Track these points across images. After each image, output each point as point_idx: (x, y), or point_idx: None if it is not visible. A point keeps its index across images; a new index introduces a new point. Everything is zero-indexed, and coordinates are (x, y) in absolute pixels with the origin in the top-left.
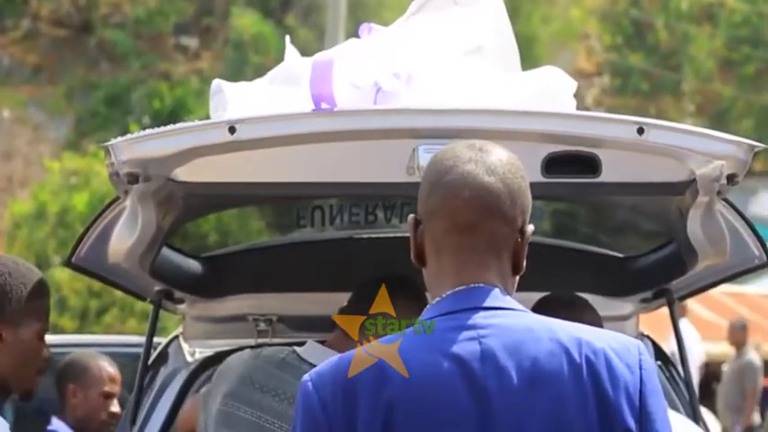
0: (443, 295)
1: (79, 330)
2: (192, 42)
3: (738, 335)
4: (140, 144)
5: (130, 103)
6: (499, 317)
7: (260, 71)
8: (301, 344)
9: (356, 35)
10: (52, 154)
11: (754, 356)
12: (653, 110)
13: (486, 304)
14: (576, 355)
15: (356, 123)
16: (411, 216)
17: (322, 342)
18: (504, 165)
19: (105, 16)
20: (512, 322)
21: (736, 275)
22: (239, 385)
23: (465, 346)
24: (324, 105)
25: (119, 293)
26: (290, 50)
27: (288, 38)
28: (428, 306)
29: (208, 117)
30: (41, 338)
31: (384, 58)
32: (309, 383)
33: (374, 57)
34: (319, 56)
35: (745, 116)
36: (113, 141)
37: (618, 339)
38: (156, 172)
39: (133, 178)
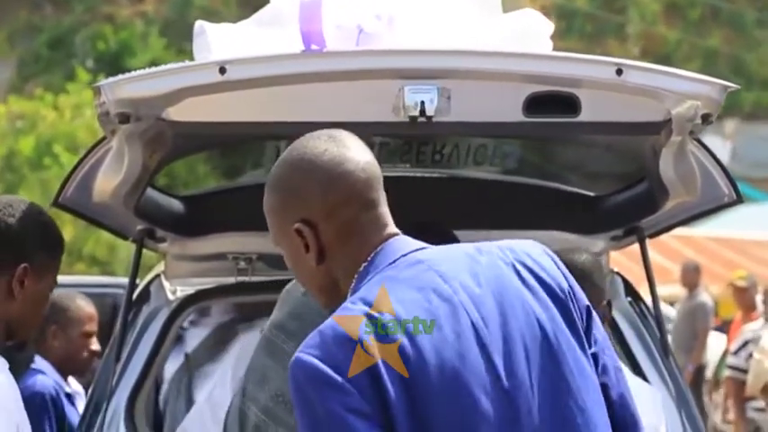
0: (362, 267)
1: None
2: None
3: (691, 276)
4: (131, 84)
5: (74, 45)
6: (429, 250)
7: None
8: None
9: None
10: None
11: (705, 297)
12: (598, 52)
13: (409, 248)
14: (510, 259)
15: (345, 64)
16: (301, 225)
17: None
18: (351, 141)
19: None
20: (441, 251)
21: (706, 213)
22: (288, 318)
23: (425, 277)
24: (314, 46)
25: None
26: None
27: None
28: (355, 278)
29: (152, 60)
30: (51, 292)
31: (366, 0)
32: (304, 356)
33: None
34: None
35: (689, 59)
36: (104, 82)
37: (534, 244)
38: (146, 112)
39: (124, 118)
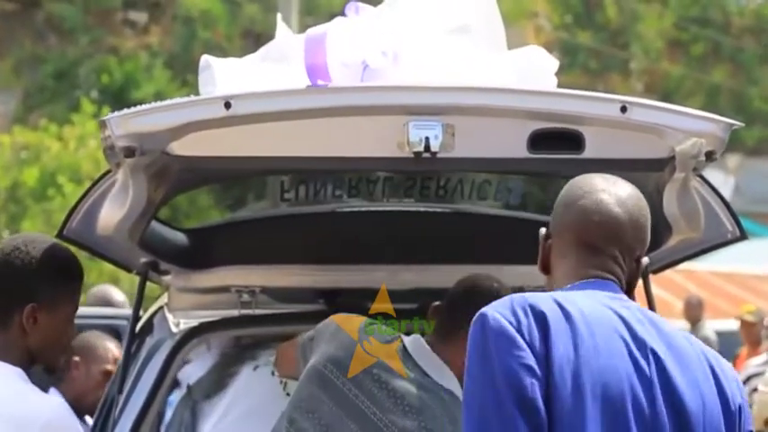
0: (568, 285)
1: None
2: (140, 17)
3: (694, 311)
4: (137, 118)
5: (79, 77)
6: (627, 300)
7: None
8: (407, 333)
9: (308, 12)
10: (0, 128)
11: (709, 332)
12: (601, 88)
13: (612, 291)
14: (693, 342)
15: (350, 100)
16: (542, 229)
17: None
18: (632, 200)
19: None
20: (637, 305)
21: (709, 249)
22: (346, 355)
23: (612, 303)
24: (319, 81)
25: None
26: (282, 28)
27: (279, 15)
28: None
29: (156, 93)
30: (71, 320)
31: (372, 36)
32: (491, 312)
33: (362, 35)
34: (312, 31)
35: (692, 95)
36: (110, 115)
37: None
38: (151, 146)
39: (129, 152)
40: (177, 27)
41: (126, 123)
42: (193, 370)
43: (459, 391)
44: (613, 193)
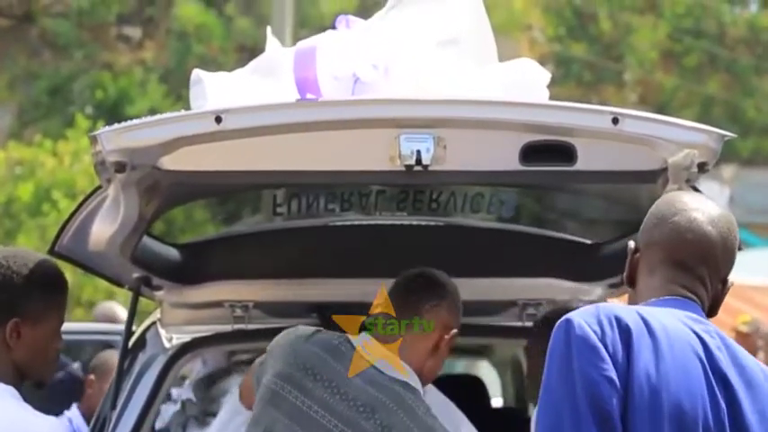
0: (651, 300)
1: None
2: (134, 32)
3: None
4: (127, 133)
5: (73, 92)
6: (708, 323)
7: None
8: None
9: (302, 25)
10: None
11: None
12: (595, 99)
13: (695, 312)
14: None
15: (340, 113)
16: (631, 242)
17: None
18: (724, 220)
19: (47, 6)
20: (716, 329)
21: None
22: (292, 368)
23: (694, 325)
24: (309, 95)
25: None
26: (272, 41)
27: (269, 29)
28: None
29: (151, 108)
30: (57, 333)
31: (363, 49)
32: (577, 319)
33: (353, 48)
34: (301, 44)
35: (686, 107)
36: (100, 131)
37: None
38: (142, 161)
39: (120, 167)
40: (171, 42)
41: (116, 138)
42: (187, 385)
43: (413, 382)
44: (706, 212)
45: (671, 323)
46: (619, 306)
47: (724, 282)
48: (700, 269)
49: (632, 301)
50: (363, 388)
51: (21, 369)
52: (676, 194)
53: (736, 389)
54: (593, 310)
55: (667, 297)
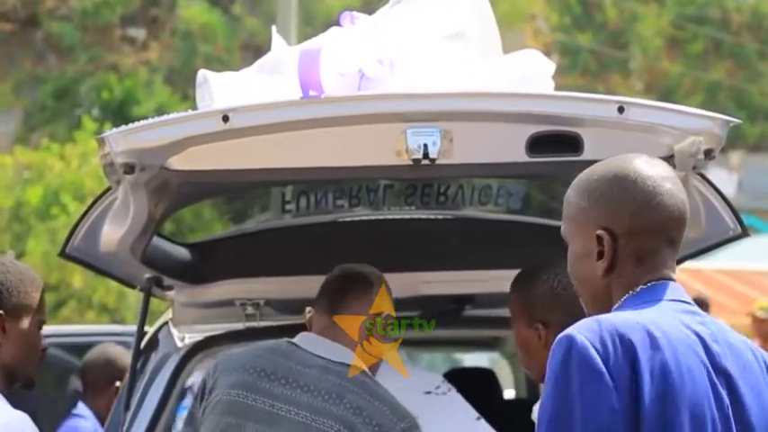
0: (638, 288)
1: None
2: (139, 34)
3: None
4: (135, 135)
5: (79, 95)
6: (700, 314)
7: (209, 61)
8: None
9: (307, 23)
10: (2, 148)
11: None
12: (601, 88)
13: (683, 298)
14: (758, 356)
15: (347, 109)
16: (604, 232)
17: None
18: (677, 180)
19: (51, 9)
20: (710, 318)
21: (712, 247)
22: (244, 374)
23: (690, 321)
24: (312, 93)
25: (76, 286)
26: (277, 40)
27: (274, 28)
28: (627, 296)
29: (158, 108)
30: (40, 329)
31: (368, 45)
32: (580, 337)
33: (358, 44)
34: (306, 44)
35: (692, 94)
36: (108, 132)
37: None
38: (150, 161)
39: (129, 168)
40: (176, 42)
41: (124, 140)
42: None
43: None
44: (666, 175)
45: (672, 329)
46: (622, 320)
47: None
48: (678, 241)
49: (608, 291)
50: (321, 376)
51: (9, 369)
52: (633, 168)
53: (735, 378)
54: (596, 327)
55: (656, 283)
